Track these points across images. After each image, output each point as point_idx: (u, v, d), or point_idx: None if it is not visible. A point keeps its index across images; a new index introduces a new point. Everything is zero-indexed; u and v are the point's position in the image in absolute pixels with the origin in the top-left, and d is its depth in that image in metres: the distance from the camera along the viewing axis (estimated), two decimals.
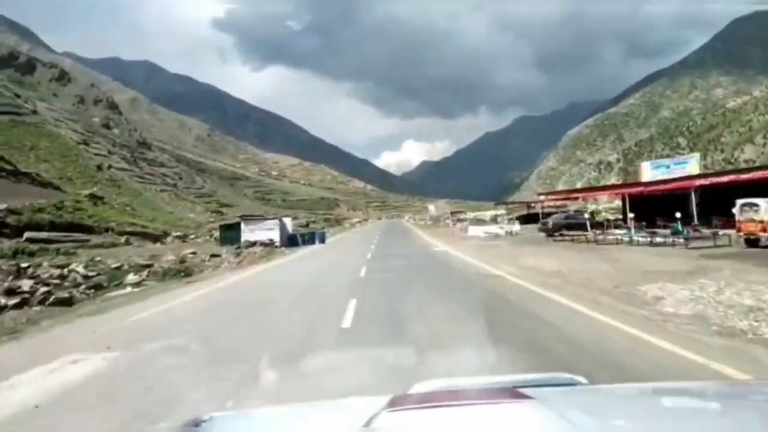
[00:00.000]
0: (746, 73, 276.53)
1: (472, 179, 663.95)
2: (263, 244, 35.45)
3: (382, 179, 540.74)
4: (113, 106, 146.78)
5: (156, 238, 41.62)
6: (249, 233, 37.60)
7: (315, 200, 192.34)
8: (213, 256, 28.76)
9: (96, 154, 75.09)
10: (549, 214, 54.64)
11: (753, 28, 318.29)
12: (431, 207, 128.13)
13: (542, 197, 52.33)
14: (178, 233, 46.41)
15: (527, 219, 53.22)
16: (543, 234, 36.08)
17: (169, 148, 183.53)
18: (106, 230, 37.35)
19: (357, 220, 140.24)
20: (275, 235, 37.57)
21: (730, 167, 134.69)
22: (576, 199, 54.69)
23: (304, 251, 32.66)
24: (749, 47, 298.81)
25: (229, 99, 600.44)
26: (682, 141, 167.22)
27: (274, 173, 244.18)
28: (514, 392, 1.58)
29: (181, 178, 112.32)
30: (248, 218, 45.68)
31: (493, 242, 33.06)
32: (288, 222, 43.94)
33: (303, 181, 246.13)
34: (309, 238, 40.78)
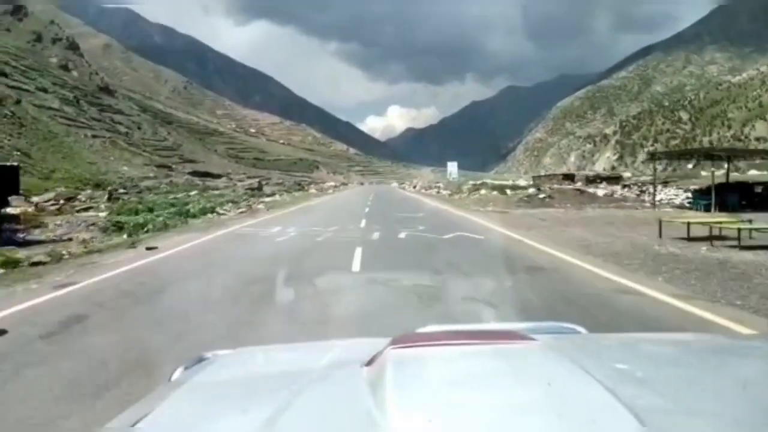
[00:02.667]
0: (742, 51, 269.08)
1: (457, 149, 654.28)
2: None
3: (366, 144, 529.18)
4: (74, 47, 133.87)
5: None
6: None
7: (293, 161, 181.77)
8: None
9: (12, 87, 64.01)
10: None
11: (752, 2, 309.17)
12: (452, 165, 79.40)
13: None
14: (49, 196, 31.49)
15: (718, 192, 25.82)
16: None
17: (138, 98, 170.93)
18: None
19: (332, 184, 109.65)
20: None
21: (739, 144, 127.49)
22: None
23: None
24: (747, 24, 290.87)
25: (211, 53, 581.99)
26: (684, 115, 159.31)
27: (252, 130, 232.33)
28: (517, 334, 1.59)
29: (140, 128, 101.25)
30: None
31: None
32: None
33: (282, 140, 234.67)
34: None
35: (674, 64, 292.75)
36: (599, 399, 1.00)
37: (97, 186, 35.80)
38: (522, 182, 54.20)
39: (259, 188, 44.11)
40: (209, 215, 25.42)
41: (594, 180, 35.13)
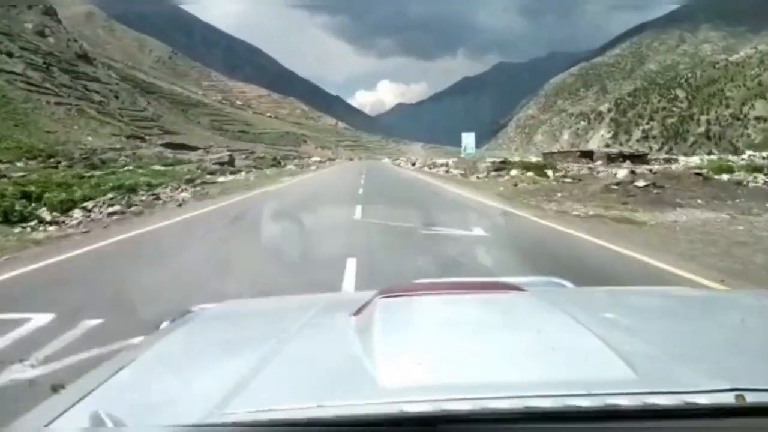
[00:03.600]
0: (737, 30, 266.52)
1: (447, 124, 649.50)
2: None
3: (356, 118, 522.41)
4: (51, 13, 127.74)
5: None
6: None
7: (279, 134, 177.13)
8: None
9: None
10: None
11: None
12: (467, 137, 58.01)
13: None
14: None
15: None
16: None
17: (120, 67, 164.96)
18: None
19: (317, 159, 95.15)
20: None
21: (737, 123, 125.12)
22: None
23: None
24: (741, 2, 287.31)
25: (198, 23, 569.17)
26: (680, 93, 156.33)
27: (239, 103, 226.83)
28: (506, 284, 1.59)
29: (117, 97, 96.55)
30: None
31: None
32: None
33: (269, 113, 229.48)
34: None
35: (668, 42, 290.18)
36: (588, 344, 1.01)
37: (50, 157, 31.85)
38: (532, 159, 42.64)
39: (230, 163, 36.81)
40: (29, 227, 12.04)
41: (616, 158, 30.18)
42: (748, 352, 1.10)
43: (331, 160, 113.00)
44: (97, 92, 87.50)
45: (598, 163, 25.15)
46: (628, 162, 27.58)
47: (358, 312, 1.32)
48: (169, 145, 52.82)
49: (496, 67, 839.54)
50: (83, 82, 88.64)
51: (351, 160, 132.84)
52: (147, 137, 60.69)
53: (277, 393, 0.93)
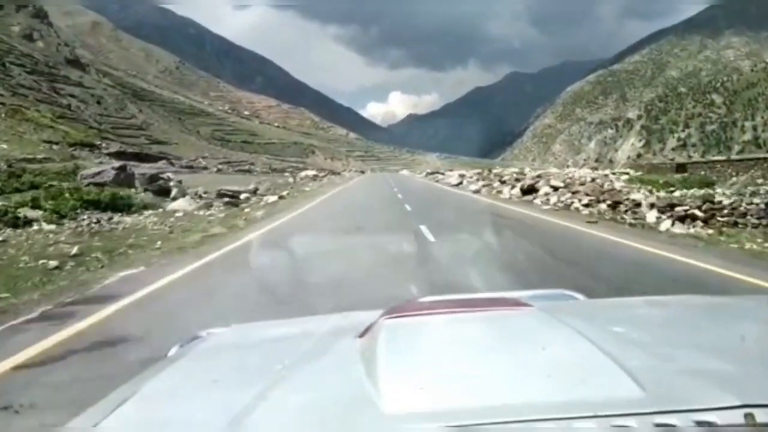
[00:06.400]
0: (760, 35, 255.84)
1: (460, 135, 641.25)
2: None
3: (367, 129, 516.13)
4: (42, 16, 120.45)
5: None
6: None
7: (286, 144, 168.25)
8: None
9: None
10: None
11: None
12: None
13: None
14: None
15: None
16: None
17: (120, 74, 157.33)
18: None
19: (310, 173, 62.57)
20: None
21: None
22: None
23: None
24: (764, 7, 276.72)
25: (209, 35, 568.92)
26: (717, 98, 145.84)
27: (246, 112, 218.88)
28: (512, 301, 1.59)
29: (99, 103, 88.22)
30: None
31: None
32: None
33: (277, 123, 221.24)
34: None
35: (689, 48, 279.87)
36: (592, 360, 1.01)
37: None
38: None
39: (122, 182, 20.44)
40: None
41: None
42: (760, 364, 1.09)
43: (333, 173, 79.09)
44: (72, 96, 78.88)
45: None
46: None
47: (363, 334, 1.33)
48: (120, 155, 43.37)
49: (508, 77, 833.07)
50: (60, 85, 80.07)
51: (362, 172, 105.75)
52: (101, 144, 51.26)
53: (281, 423, 0.94)
